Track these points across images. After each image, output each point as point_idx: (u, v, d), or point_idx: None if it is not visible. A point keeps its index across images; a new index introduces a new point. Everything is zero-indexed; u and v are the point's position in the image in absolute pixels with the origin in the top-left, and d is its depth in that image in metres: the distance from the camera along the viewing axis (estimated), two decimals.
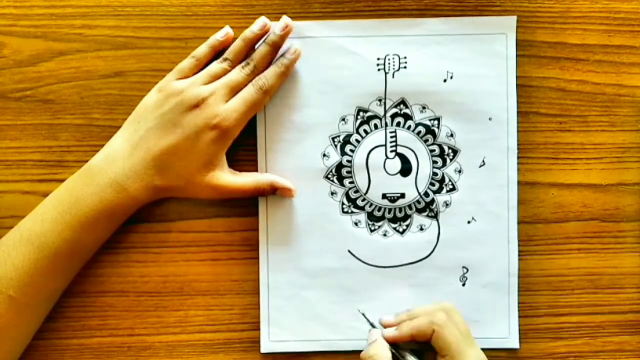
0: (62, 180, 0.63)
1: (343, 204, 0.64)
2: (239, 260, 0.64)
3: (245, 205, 0.64)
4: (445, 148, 0.64)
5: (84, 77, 0.63)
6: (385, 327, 0.61)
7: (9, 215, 0.63)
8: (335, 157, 0.63)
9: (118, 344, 0.64)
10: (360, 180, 0.64)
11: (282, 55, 0.62)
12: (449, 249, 0.63)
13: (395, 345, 0.59)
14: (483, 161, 0.64)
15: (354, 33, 0.63)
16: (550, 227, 0.64)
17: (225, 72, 0.61)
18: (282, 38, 0.62)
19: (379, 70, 0.63)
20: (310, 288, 0.64)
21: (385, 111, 0.63)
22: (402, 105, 0.63)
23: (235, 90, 0.61)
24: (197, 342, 0.64)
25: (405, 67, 0.63)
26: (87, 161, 0.63)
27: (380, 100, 0.63)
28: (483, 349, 0.62)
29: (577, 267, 0.64)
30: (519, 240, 0.64)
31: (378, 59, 0.63)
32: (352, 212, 0.64)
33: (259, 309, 0.64)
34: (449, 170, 0.64)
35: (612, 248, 0.64)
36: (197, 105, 0.60)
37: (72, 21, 0.63)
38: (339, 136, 0.63)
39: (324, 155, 0.63)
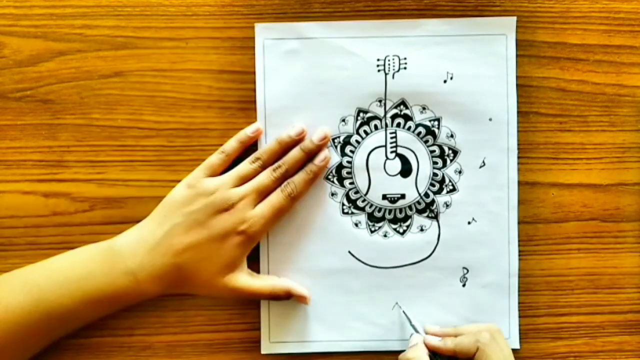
0: (62, 181, 0.63)
1: (343, 204, 0.63)
2: None
3: None
4: (446, 149, 0.63)
5: (84, 77, 0.63)
6: (427, 334, 0.61)
7: (9, 215, 0.64)
8: (335, 158, 0.63)
9: (118, 344, 0.64)
10: (361, 181, 0.63)
11: (312, 161, 0.62)
12: (449, 249, 0.63)
13: (434, 355, 0.60)
14: (483, 162, 0.63)
15: (353, 34, 0.63)
16: (550, 227, 0.64)
17: (255, 173, 0.61)
18: (318, 148, 0.62)
19: (379, 71, 0.63)
20: (310, 289, 0.64)
21: (386, 112, 0.63)
22: (402, 106, 0.63)
23: (264, 193, 0.61)
24: (197, 342, 0.64)
25: (405, 68, 0.63)
26: (87, 161, 0.63)
27: (380, 101, 0.63)
28: None
29: (577, 267, 0.64)
30: (519, 241, 0.64)
31: (378, 59, 0.63)
32: (352, 213, 0.64)
33: (258, 309, 0.64)
34: (449, 170, 0.64)
35: (612, 248, 0.64)
36: (226, 209, 0.60)
37: (72, 21, 0.63)
38: (339, 137, 0.63)
39: None
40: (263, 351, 0.64)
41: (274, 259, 0.64)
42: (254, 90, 0.63)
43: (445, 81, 0.63)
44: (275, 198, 0.61)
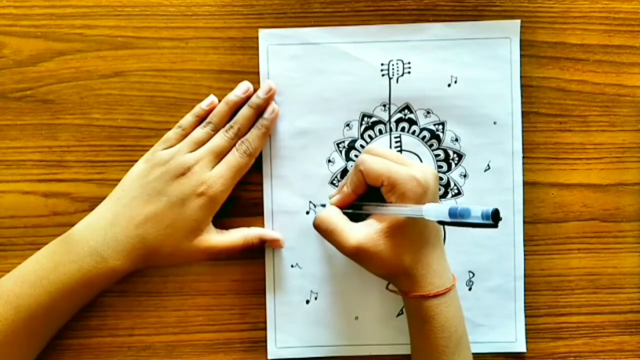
0: (62, 181, 0.63)
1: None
2: (239, 260, 0.64)
3: (246, 206, 0.64)
4: (450, 152, 0.63)
5: (84, 77, 0.63)
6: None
7: (9, 216, 0.63)
8: (340, 163, 0.63)
9: (118, 344, 0.64)
10: None
11: (262, 116, 0.62)
12: (455, 253, 0.63)
13: (355, 210, 0.60)
14: (488, 165, 0.63)
15: (357, 39, 0.63)
16: (550, 227, 0.64)
17: (209, 137, 0.61)
18: (266, 101, 0.62)
19: (383, 75, 0.63)
20: (316, 294, 0.64)
21: (390, 116, 0.63)
22: (406, 110, 0.63)
23: (220, 155, 0.61)
24: (197, 342, 0.64)
25: (409, 72, 0.63)
26: (87, 161, 0.63)
27: (384, 106, 0.63)
28: (490, 354, 0.62)
29: (577, 267, 0.65)
30: (524, 244, 0.64)
31: (382, 64, 0.63)
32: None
33: (259, 309, 0.64)
34: (454, 174, 0.63)
35: (612, 248, 0.65)
36: (183, 173, 0.60)
37: (72, 21, 0.63)
38: (343, 142, 0.63)
39: (329, 161, 0.63)
40: (270, 356, 0.64)
41: (279, 266, 0.64)
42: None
43: (449, 85, 0.63)
44: (232, 157, 0.61)
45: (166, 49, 0.63)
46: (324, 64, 0.63)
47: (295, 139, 0.63)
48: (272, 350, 0.64)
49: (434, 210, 0.54)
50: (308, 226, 0.63)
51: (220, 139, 0.61)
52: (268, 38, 0.63)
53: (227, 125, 0.62)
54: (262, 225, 0.64)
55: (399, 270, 0.57)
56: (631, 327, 0.65)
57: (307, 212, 0.63)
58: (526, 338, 0.64)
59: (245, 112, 0.62)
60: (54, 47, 0.63)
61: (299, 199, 0.63)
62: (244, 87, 0.62)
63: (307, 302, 0.64)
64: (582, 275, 0.65)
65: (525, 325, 0.64)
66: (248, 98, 0.62)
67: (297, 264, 0.64)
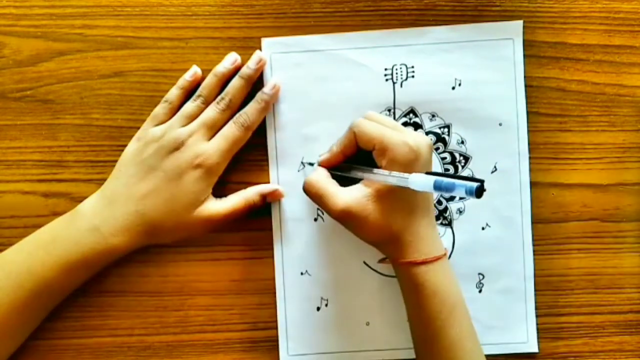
0: (62, 181, 0.63)
1: None
2: (239, 260, 0.64)
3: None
4: (457, 155, 0.63)
5: (84, 77, 0.63)
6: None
7: (9, 215, 0.63)
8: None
9: (118, 344, 0.64)
10: None
11: (262, 91, 0.62)
12: (464, 255, 0.63)
13: (343, 173, 0.60)
14: (495, 167, 0.63)
15: (360, 45, 0.63)
16: (550, 227, 0.64)
17: (200, 110, 0.61)
18: (257, 71, 0.62)
19: (386, 80, 0.63)
20: (326, 301, 0.63)
21: (395, 121, 0.63)
22: (411, 114, 0.63)
23: (214, 127, 0.61)
24: (197, 342, 0.64)
25: (413, 76, 0.63)
26: (87, 161, 0.63)
27: (389, 110, 0.63)
28: (502, 355, 0.62)
29: (577, 267, 0.64)
30: (533, 244, 0.64)
31: (385, 69, 0.63)
32: None
33: (259, 309, 0.64)
34: None
35: (612, 248, 0.65)
36: (177, 148, 0.60)
37: (72, 21, 0.63)
38: None
39: None
40: None
41: (289, 274, 0.64)
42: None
43: (453, 88, 0.63)
44: (229, 129, 0.61)
45: (166, 49, 0.63)
46: (328, 71, 0.63)
47: (302, 146, 0.63)
48: (284, 357, 0.63)
49: (420, 182, 0.53)
50: (317, 233, 0.63)
51: (212, 111, 0.61)
52: (271, 46, 0.63)
53: (218, 97, 0.62)
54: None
55: (386, 236, 0.57)
56: (631, 327, 0.65)
57: (315, 219, 0.63)
58: (538, 338, 0.64)
59: (236, 82, 0.62)
60: (54, 47, 0.63)
61: (306, 205, 0.63)
62: (231, 58, 0.62)
63: (318, 309, 0.64)
64: (582, 275, 0.65)
65: (537, 325, 0.64)
66: (237, 69, 0.62)
67: (306, 271, 0.64)
